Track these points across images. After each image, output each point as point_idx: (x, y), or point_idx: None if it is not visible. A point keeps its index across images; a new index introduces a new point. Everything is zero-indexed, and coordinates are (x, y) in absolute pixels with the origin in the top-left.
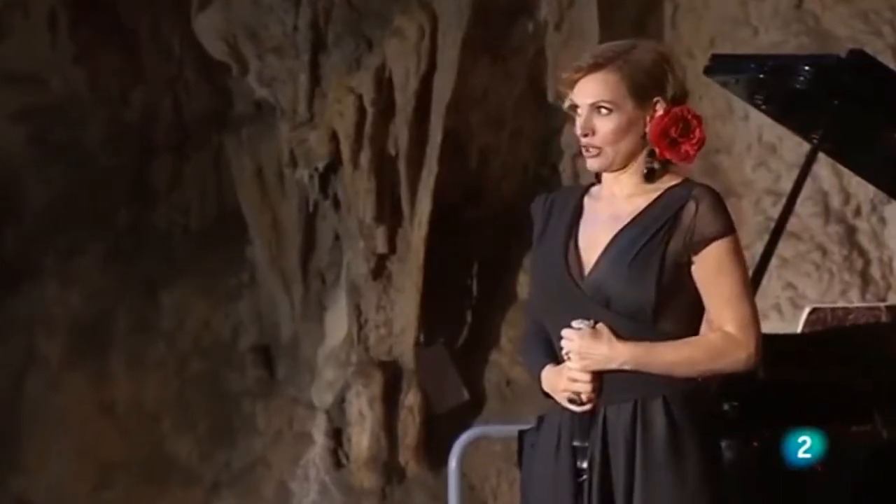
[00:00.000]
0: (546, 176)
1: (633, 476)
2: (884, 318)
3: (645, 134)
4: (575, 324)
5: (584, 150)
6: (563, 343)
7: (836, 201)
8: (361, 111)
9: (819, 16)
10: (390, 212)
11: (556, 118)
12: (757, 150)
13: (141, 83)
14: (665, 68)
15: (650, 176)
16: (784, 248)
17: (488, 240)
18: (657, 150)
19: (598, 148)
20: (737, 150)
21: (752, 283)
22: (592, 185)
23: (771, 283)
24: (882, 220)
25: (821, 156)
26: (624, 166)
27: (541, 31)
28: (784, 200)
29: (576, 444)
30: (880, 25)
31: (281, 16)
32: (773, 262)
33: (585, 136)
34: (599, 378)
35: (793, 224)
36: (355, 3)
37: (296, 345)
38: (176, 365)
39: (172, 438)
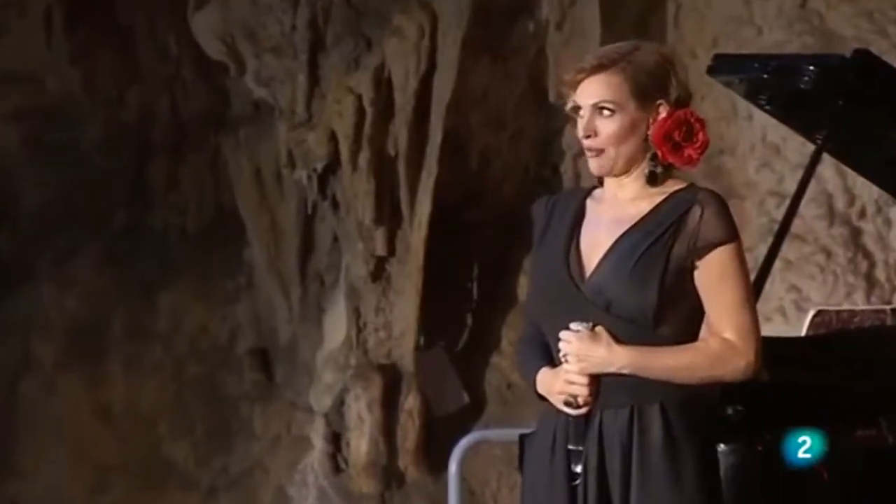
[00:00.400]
0: (547, 177)
1: (629, 481)
2: (889, 321)
3: (647, 137)
4: (573, 326)
5: (586, 152)
6: (561, 345)
7: (840, 203)
8: (360, 111)
9: (823, 15)
10: (390, 213)
11: (557, 118)
12: (760, 151)
13: (137, 83)
14: (668, 70)
15: (653, 179)
16: (788, 250)
17: (489, 241)
18: (660, 154)
19: (601, 150)
20: (740, 151)
21: (755, 285)
22: (595, 187)
23: (775, 286)
24: (887, 222)
25: (825, 157)
26: (627, 170)
27: (542, 30)
28: (788, 202)
29: (570, 447)
30: (885, 25)
31: (279, 15)
32: (777, 264)
33: (588, 137)
34: (597, 381)
35: (797, 226)
36: (354, 3)
37: (294, 348)
38: (173, 368)
39: (169, 442)
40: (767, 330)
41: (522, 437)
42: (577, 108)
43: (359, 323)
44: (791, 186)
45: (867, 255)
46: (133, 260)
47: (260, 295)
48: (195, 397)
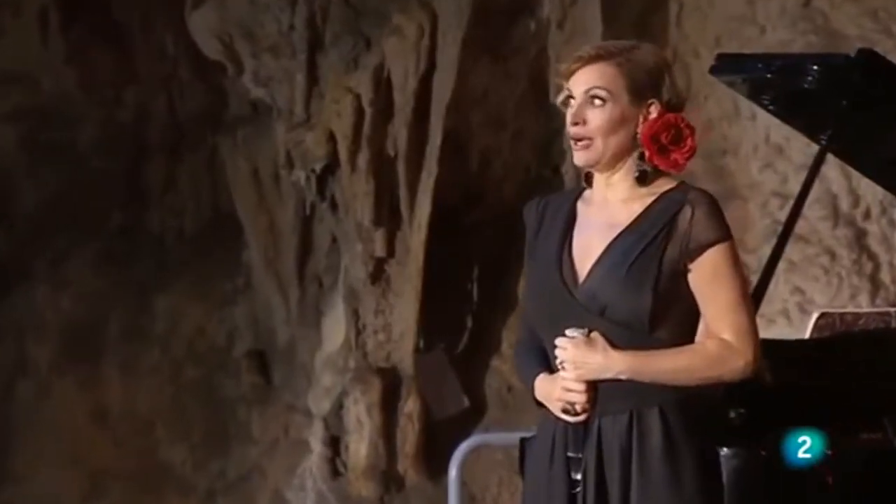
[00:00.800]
0: (548, 178)
1: (628, 487)
2: (894, 324)
3: (637, 134)
4: (569, 332)
5: (572, 144)
6: (557, 352)
7: (844, 204)
8: (359, 111)
9: (827, 14)
10: (389, 214)
11: (558, 119)
12: (764, 152)
13: (134, 83)
14: (664, 72)
15: (642, 179)
16: (792, 251)
17: (489, 243)
18: (646, 154)
19: (588, 140)
20: (743, 152)
21: (759, 287)
22: (584, 189)
23: (778, 288)
24: (892, 223)
25: (829, 157)
26: (612, 166)
27: (543, 29)
28: (792, 203)
29: (570, 454)
30: (890, 24)
31: (277, 14)
32: (781, 266)
33: (576, 124)
34: (594, 388)
35: (801, 227)
36: (353, 2)
37: (292, 350)
38: (169, 371)
39: (166, 446)
40: (771, 332)
41: (523, 441)
42: (568, 99)
43: (358, 325)
44: (795, 187)
45: (872, 256)
46: (130, 261)
47: (258, 297)
48: (192, 400)
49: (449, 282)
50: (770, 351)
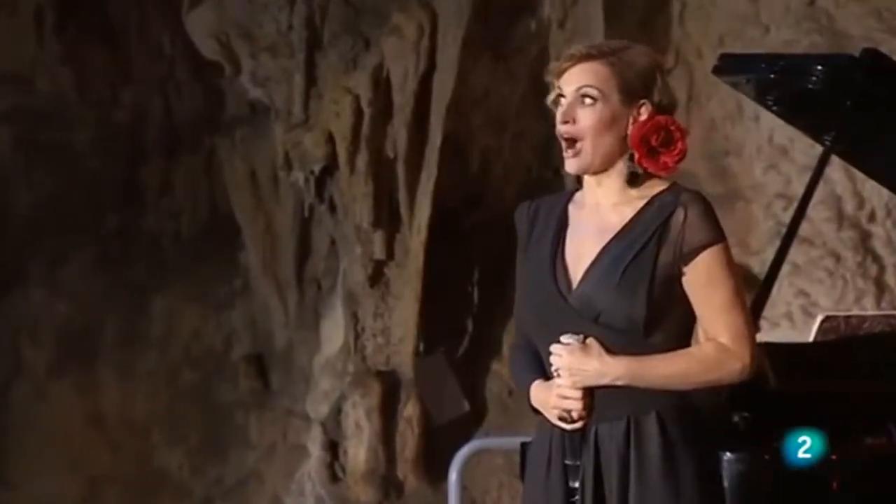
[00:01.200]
0: (549, 179)
1: (627, 495)
2: None
3: (626, 136)
4: (564, 339)
5: (563, 145)
6: (553, 359)
7: (849, 206)
8: (358, 112)
9: (832, 14)
10: (388, 216)
11: None
12: (767, 153)
13: (130, 84)
14: (656, 73)
15: (632, 181)
16: (796, 254)
17: (490, 245)
18: (636, 156)
19: (577, 141)
20: (747, 153)
21: (762, 290)
22: (576, 190)
23: (782, 291)
24: None
25: (834, 158)
26: (604, 168)
27: (544, 29)
28: (796, 205)
29: (567, 462)
30: (895, 24)
31: (275, 13)
32: (785, 268)
33: (565, 123)
34: (590, 395)
35: (805, 229)
36: (352, 1)
37: (290, 354)
38: (166, 375)
39: (162, 451)
40: (775, 336)
41: (524, 446)
42: (559, 98)
43: (357, 328)
44: (799, 189)
45: (877, 258)
46: (126, 264)
47: (255, 300)
48: (189, 404)
49: (449, 285)
50: (774, 354)
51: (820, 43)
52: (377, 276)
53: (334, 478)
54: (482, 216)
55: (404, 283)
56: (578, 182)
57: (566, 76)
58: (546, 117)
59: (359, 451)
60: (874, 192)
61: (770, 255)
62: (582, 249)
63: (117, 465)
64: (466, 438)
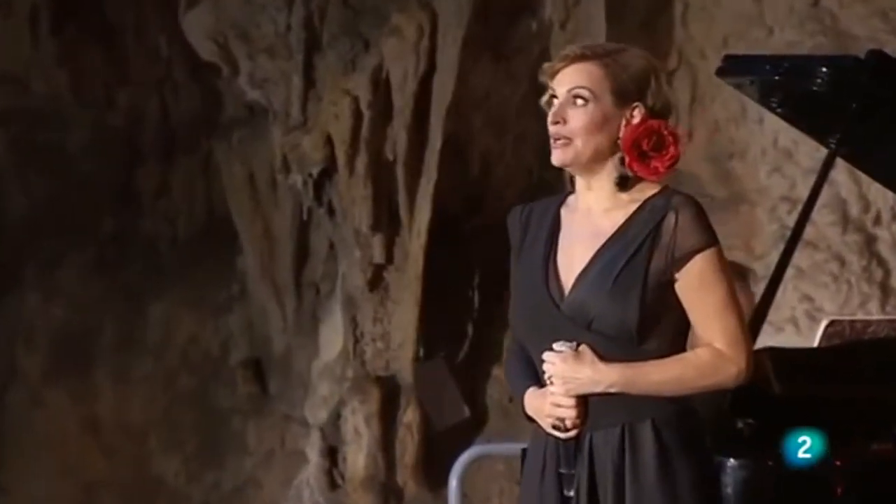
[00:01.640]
0: (550, 182)
1: (622, 503)
2: None
3: (618, 138)
4: (557, 346)
5: (552, 142)
6: (545, 366)
7: (854, 209)
8: (357, 114)
9: (836, 14)
10: (388, 220)
11: None
12: (772, 155)
13: (126, 85)
14: (651, 77)
15: (622, 184)
16: (800, 257)
17: (490, 249)
18: (626, 159)
19: (568, 139)
20: (751, 156)
21: (766, 294)
22: (568, 194)
23: (787, 295)
24: None
25: (839, 161)
26: (591, 167)
27: (545, 30)
28: (800, 208)
29: (562, 471)
30: None
31: (273, 14)
32: (789, 272)
33: (556, 123)
34: (584, 403)
35: (809, 233)
36: (351, 2)
37: (288, 359)
38: (163, 380)
39: (159, 457)
40: (779, 340)
41: (525, 452)
42: (552, 99)
43: (356, 333)
44: (803, 192)
45: (882, 262)
46: (122, 268)
47: (253, 304)
48: (186, 410)
49: (449, 289)
50: (778, 359)
51: (824, 44)
52: (376, 281)
53: (333, 484)
54: (483, 219)
55: (404, 288)
56: (572, 184)
57: (559, 76)
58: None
59: (358, 458)
60: (879, 195)
61: (774, 258)
62: (574, 255)
63: (113, 471)
64: (467, 444)
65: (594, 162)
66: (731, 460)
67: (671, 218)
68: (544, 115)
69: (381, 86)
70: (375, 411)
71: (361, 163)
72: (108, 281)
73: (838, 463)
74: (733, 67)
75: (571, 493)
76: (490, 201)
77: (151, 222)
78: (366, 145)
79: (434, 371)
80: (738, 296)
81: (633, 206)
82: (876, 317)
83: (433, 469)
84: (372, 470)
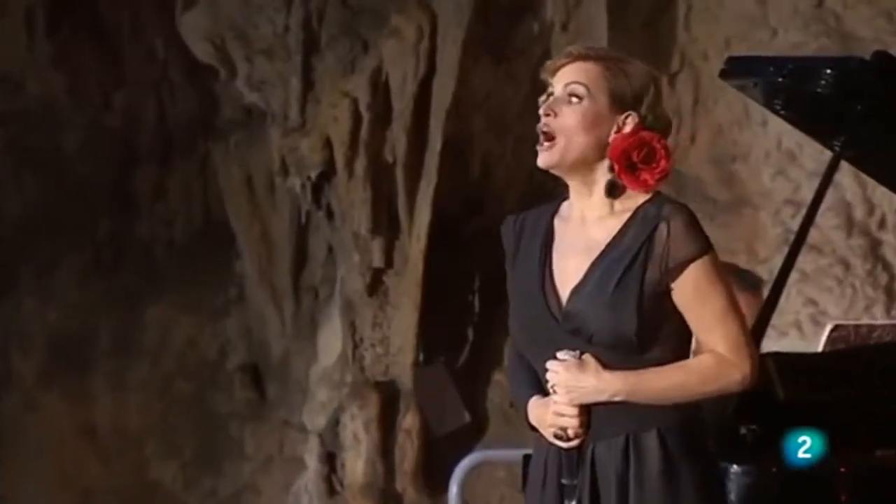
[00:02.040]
0: (551, 186)
1: None
2: None
3: (607, 144)
4: (560, 355)
5: (539, 137)
6: (549, 375)
7: (859, 212)
8: (356, 116)
9: (841, 15)
10: (387, 223)
11: None
12: (776, 158)
13: (123, 87)
14: (651, 90)
15: (612, 191)
16: (804, 261)
17: (491, 253)
18: (615, 169)
19: (553, 139)
20: (754, 158)
21: (770, 298)
22: (562, 202)
23: (791, 299)
24: None
25: (843, 164)
26: (578, 171)
27: (546, 31)
28: (804, 211)
29: (564, 481)
30: None
31: (271, 15)
32: (793, 276)
33: (547, 115)
34: (587, 412)
35: (813, 236)
36: (350, 3)
37: (287, 364)
38: (159, 385)
39: (156, 463)
40: (783, 345)
41: (526, 458)
42: (549, 97)
43: (355, 338)
44: (807, 195)
45: (887, 266)
46: (118, 272)
47: (251, 309)
48: (183, 416)
49: (449, 293)
50: (782, 364)
51: (829, 45)
52: (376, 285)
53: (332, 491)
54: (483, 223)
55: (403, 292)
56: (566, 191)
57: (559, 74)
58: None
59: (357, 464)
60: (884, 198)
61: (778, 262)
62: (569, 266)
63: (110, 477)
64: (467, 450)
65: (581, 165)
66: (735, 466)
67: (663, 228)
68: None
69: (380, 87)
70: (374, 417)
71: (360, 165)
72: (104, 284)
73: (843, 469)
74: (736, 69)
75: None
76: (491, 204)
77: (148, 225)
78: (365, 148)
79: (434, 376)
80: (751, 304)
81: (626, 215)
82: (881, 321)
83: (433, 475)
84: (371, 476)
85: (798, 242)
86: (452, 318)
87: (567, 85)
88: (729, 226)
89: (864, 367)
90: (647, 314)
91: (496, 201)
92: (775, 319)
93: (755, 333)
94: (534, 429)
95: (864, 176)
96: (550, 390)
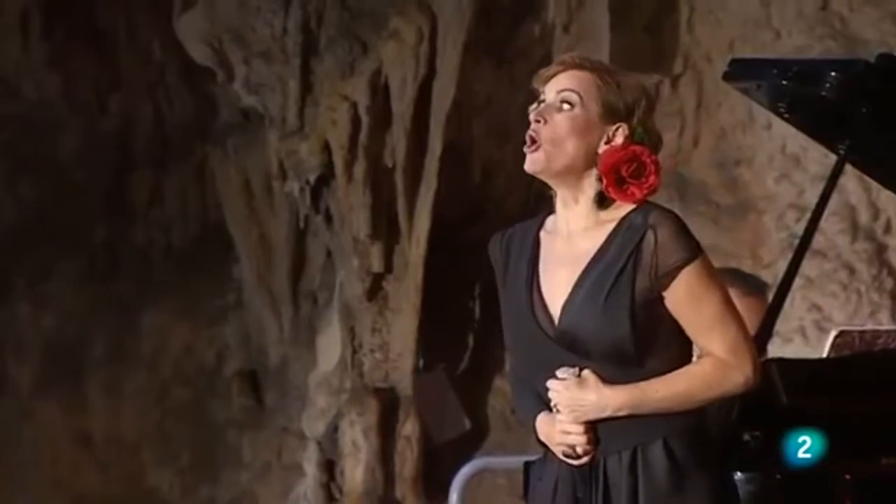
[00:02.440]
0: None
1: None
2: None
3: (596, 154)
4: (559, 373)
5: (526, 145)
6: (550, 394)
7: (864, 216)
8: (356, 120)
9: (846, 18)
10: (386, 228)
11: None
12: (780, 162)
13: (119, 90)
14: (643, 103)
15: (601, 202)
16: (809, 266)
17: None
18: (603, 182)
19: (540, 142)
20: (758, 162)
21: (774, 304)
22: (547, 215)
23: (795, 305)
24: None
25: (848, 168)
26: (564, 180)
27: (548, 33)
28: (809, 216)
29: (579, 495)
30: None
31: (269, 17)
32: (797, 281)
33: (537, 121)
34: (593, 428)
35: (818, 241)
36: (349, 4)
37: (285, 371)
38: (156, 393)
39: (152, 471)
40: (787, 351)
41: (527, 465)
42: (540, 105)
43: (354, 344)
44: (812, 199)
45: (892, 272)
46: (114, 277)
47: (249, 314)
48: (180, 423)
49: (449, 298)
50: (786, 371)
51: (834, 48)
52: (375, 290)
53: (330, 498)
54: (484, 228)
55: (403, 297)
56: (551, 205)
57: (552, 82)
58: None
59: (356, 471)
60: (889, 202)
61: (782, 267)
62: (558, 280)
63: (106, 485)
64: (468, 458)
65: (567, 174)
66: (739, 474)
67: (650, 237)
68: None
69: (379, 91)
70: (374, 424)
71: (360, 169)
72: (99, 291)
73: (847, 476)
74: (740, 72)
75: None
76: (491, 209)
77: (144, 230)
78: (364, 152)
79: (434, 382)
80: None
81: (612, 225)
82: (886, 327)
83: (433, 483)
84: (370, 484)
85: (802, 247)
86: (453, 324)
87: (560, 92)
88: (732, 230)
89: (870, 374)
90: (641, 322)
91: (497, 206)
92: (779, 325)
93: (759, 339)
94: (543, 444)
95: (869, 180)
96: (554, 409)
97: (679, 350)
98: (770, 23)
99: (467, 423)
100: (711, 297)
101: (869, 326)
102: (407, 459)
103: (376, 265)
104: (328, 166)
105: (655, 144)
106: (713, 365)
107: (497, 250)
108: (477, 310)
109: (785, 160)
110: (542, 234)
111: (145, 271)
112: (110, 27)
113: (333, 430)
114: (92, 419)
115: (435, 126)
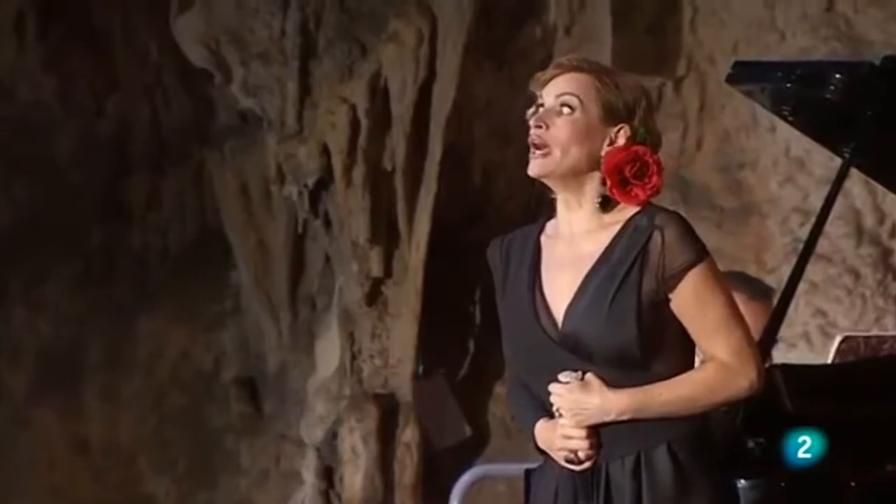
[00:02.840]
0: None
1: None
2: None
3: (600, 156)
4: (562, 377)
5: (531, 151)
6: (553, 399)
7: (869, 221)
8: (355, 123)
9: (851, 19)
10: (386, 232)
11: None
12: (784, 165)
13: (115, 92)
14: (643, 103)
15: (605, 205)
16: (813, 271)
17: None
18: (607, 183)
19: (547, 148)
20: (762, 165)
21: (778, 309)
22: (547, 220)
23: (799, 310)
24: None
25: (853, 171)
26: (568, 183)
27: (549, 35)
28: (813, 220)
29: (580, 501)
30: None
31: (267, 19)
32: (802, 286)
33: (538, 127)
34: (596, 433)
35: (822, 245)
36: (348, 6)
37: (283, 377)
38: (153, 399)
39: (149, 478)
40: (791, 357)
41: (528, 472)
42: (539, 109)
43: (353, 350)
44: (817, 203)
45: None
46: (110, 282)
47: (247, 320)
48: (177, 430)
49: (449, 304)
50: (790, 376)
51: (838, 50)
52: (374, 295)
53: None
54: (484, 232)
55: (403, 302)
56: (552, 209)
57: (550, 85)
58: None
59: (355, 478)
60: (895, 206)
61: (786, 272)
62: (562, 284)
63: (102, 492)
64: (468, 464)
65: (572, 177)
66: (742, 481)
67: (657, 238)
68: None
69: (379, 93)
70: (373, 430)
71: (359, 173)
72: (95, 295)
73: (852, 483)
74: (744, 74)
75: None
76: (492, 213)
77: (141, 234)
78: (363, 155)
79: (434, 388)
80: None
81: (616, 227)
82: (891, 333)
83: (433, 490)
84: (369, 491)
85: (807, 252)
86: (453, 329)
87: (559, 96)
88: (736, 234)
89: (875, 380)
90: (647, 325)
91: (497, 210)
92: (784, 331)
93: (763, 344)
94: (542, 452)
95: (874, 183)
96: (556, 413)
97: (683, 354)
98: (774, 24)
99: (467, 430)
100: (717, 300)
101: (874, 332)
102: (406, 466)
103: (376, 270)
104: (327, 170)
105: (657, 143)
106: (717, 369)
107: (496, 257)
108: (477, 315)
109: (789, 163)
110: (543, 238)
111: (142, 276)
112: (107, 28)
113: (332, 436)
114: (88, 425)
115: (435, 129)
